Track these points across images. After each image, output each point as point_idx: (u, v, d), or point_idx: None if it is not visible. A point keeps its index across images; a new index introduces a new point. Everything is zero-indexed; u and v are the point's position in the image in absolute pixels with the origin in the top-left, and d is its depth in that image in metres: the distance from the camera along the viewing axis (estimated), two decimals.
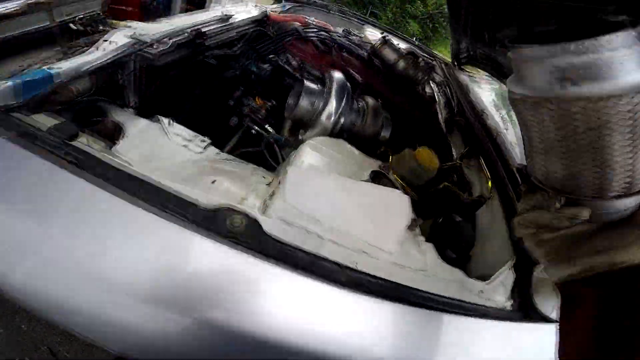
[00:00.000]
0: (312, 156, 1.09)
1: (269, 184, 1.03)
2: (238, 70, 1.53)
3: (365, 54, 1.75)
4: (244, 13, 1.91)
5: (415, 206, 1.22)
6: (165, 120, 1.26)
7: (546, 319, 0.90)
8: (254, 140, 1.46)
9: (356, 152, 1.21)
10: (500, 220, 1.41)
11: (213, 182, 0.91)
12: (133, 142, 1.12)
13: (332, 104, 1.26)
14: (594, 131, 0.53)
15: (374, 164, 1.21)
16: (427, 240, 1.11)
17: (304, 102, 1.32)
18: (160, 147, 1.20)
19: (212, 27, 1.51)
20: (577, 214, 0.59)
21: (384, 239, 0.90)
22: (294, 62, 1.62)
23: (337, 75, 1.38)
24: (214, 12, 1.68)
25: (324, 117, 1.27)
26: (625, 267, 0.51)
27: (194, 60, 1.41)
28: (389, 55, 1.72)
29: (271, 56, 1.65)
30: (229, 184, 0.94)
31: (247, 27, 1.77)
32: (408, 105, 1.71)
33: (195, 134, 1.33)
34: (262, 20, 2.05)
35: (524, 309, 0.94)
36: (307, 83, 1.40)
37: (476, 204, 1.37)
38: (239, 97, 1.51)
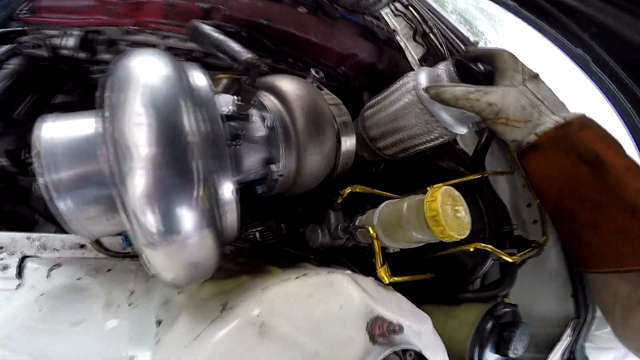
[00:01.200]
0: None
1: None
2: None
3: None
4: None
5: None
6: None
7: None
8: None
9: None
10: (559, 266, 0.86)
11: None
12: None
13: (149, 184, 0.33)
14: None
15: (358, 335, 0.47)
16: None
17: (76, 215, 0.40)
18: None
19: None
20: None
21: None
22: (69, 42, 0.61)
23: (136, 71, 0.36)
24: None
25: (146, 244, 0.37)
26: None
27: None
28: None
29: None
30: None
31: None
32: (362, 53, 0.87)
33: None
34: None
35: None
36: (49, 132, 0.38)
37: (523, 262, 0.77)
38: None
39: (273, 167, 0.54)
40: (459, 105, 0.56)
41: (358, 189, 0.69)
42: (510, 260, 0.70)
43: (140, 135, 0.32)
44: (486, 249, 0.68)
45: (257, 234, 0.81)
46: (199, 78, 0.40)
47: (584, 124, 0.52)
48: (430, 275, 0.77)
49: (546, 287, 0.85)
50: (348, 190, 0.68)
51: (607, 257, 0.51)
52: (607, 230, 0.50)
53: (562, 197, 0.54)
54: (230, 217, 0.43)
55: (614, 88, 1.00)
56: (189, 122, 0.34)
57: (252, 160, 0.53)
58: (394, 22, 1.08)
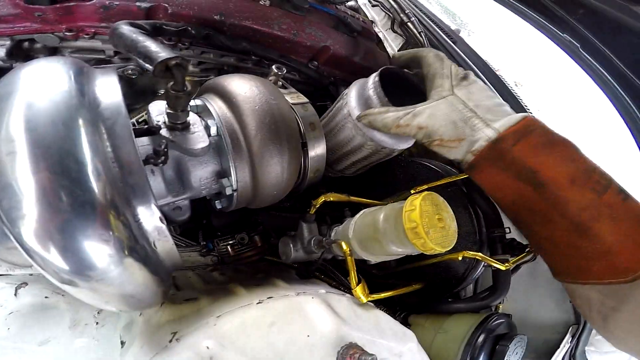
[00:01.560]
0: None
1: None
2: None
3: None
4: None
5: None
6: None
7: None
8: None
9: None
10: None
11: None
12: None
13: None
14: None
15: None
16: None
17: None
18: None
19: None
20: None
21: None
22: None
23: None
24: None
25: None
26: None
27: None
28: None
29: None
30: None
31: None
32: (336, 46, 0.79)
33: None
34: None
35: None
36: None
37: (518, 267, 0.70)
38: None
39: (225, 182, 0.47)
40: (392, 132, 0.52)
41: (332, 197, 0.62)
42: (502, 268, 0.63)
43: (14, 166, 0.26)
44: (476, 257, 0.62)
45: (229, 248, 0.75)
46: (108, 88, 0.33)
47: (519, 134, 0.45)
48: (417, 287, 0.71)
49: (543, 292, 0.79)
50: (321, 199, 0.62)
51: (568, 269, 0.48)
52: (562, 245, 0.46)
53: (515, 209, 0.50)
54: (163, 243, 0.36)
55: (605, 74, 0.93)
56: (85, 142, 0.28)
57: (200, 174, 0.46)
58: (372, 13, 1.01)
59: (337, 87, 0.87)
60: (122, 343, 0.62)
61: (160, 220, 0.36)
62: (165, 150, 0.36)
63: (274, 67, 0.59)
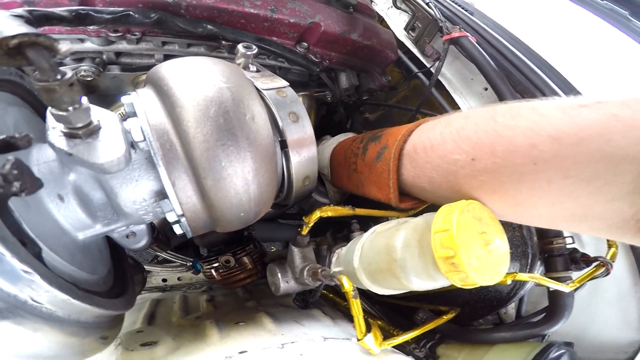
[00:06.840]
0: None
1: None
2: None
3: None
4: None
5: None
6: None
7: None
8: None
9: None
10: (627, 282, 0.58)
11: None
12: None
13: None
14: None
15: None
16: None
17: None
18: None
19: None
20: None
21: None
22: None
23: None
24: None
25: None
26: None
27: None
28: None
29: None
30: None
31: None
32: (327, 22, 0.60)
33: None
34: None
35: None
36: None
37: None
38: None
39: (165, 205, 0.30)
40: None
41: (330, 211, 0.44)
42: (567, 289, 0.43)
43: None
44: (531, 280, 0.42)
45: (214, 272, 0.59)
46: None
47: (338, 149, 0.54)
48: (450, 316, 0.51)
49: (608, 309, 0.57)
50: (315, 215, 0.43)
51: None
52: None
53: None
54: (49, 296, 0.20)
55: None
56: None
57: (131, 196, 0.30)
58: None
59: (337, 74, 0.69)
60: None
61: (26, 272, 0.20)
62: (15, 172, 0.19)
63: (240, 46, 0.41)
